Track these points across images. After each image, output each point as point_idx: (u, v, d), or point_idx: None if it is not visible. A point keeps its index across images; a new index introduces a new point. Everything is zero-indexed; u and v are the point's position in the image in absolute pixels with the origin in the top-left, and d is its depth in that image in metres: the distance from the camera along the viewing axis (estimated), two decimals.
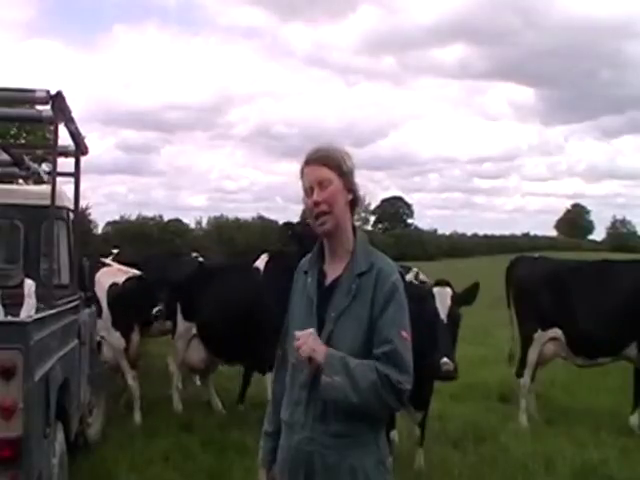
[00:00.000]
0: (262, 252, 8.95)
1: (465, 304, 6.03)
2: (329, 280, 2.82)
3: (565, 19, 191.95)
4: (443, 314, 5.86)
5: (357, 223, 2.98)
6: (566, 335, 8.30)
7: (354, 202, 2.84)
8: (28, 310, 5.75)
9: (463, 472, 6.56)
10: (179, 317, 8.85)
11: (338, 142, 2.93)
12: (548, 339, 8.41)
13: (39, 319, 4.55)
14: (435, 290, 5.99)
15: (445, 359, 5.58)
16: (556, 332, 8.35)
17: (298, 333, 2.71)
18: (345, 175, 2.79)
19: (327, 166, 2.77)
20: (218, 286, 8.60)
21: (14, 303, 5.87)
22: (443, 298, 5.93)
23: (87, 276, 6.77)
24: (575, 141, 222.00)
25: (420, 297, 5.77)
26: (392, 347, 2.62)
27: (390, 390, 2.59)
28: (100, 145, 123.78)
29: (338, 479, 2.69)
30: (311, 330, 2.71)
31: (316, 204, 2.75)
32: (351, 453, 2.69)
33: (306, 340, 2.67)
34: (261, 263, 8.37)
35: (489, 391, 9.90)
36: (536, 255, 9.80)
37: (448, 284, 6.07)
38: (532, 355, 8.48)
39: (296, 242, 7.63)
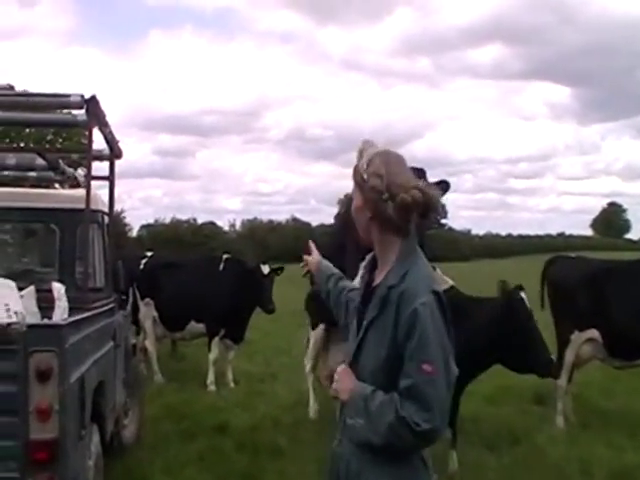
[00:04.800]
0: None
1: None
2: (373, 286, 2.73)
3: (600, 17, 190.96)
4: None
5: None
6: (603, 336, 8.17)
7: (381, 220, 2.61)
8: (60, 313, 5.78)
9: (497, 475, 6.50)
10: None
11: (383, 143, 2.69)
12: (585, 340, 8.29)
13: (74, 322, 4.57)
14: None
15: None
16: (593, 333, 8.21)
17: (339, 369, 2.72)
18: (365, 192, 2.62)
19: (354, 179, 2.69)
20: None
21: (50, 307, 5.91)
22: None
23: (122, 279, 6.81)
24: (612, 140, 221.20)
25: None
26: (411, 382, 2.44)
27: (408, 432, 2.42)
28: (137, 150, 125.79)
29: None
30: (344, 368, 2.70)
31: None
32: (369, 468, 2.58)
33: (339, 377, 2.68)
34: None
35: (524, 393, 9.77)
36: (572, 255, 9.66)
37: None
38: (569, 356, 8.34)
39: (337, 228, 7.72)
